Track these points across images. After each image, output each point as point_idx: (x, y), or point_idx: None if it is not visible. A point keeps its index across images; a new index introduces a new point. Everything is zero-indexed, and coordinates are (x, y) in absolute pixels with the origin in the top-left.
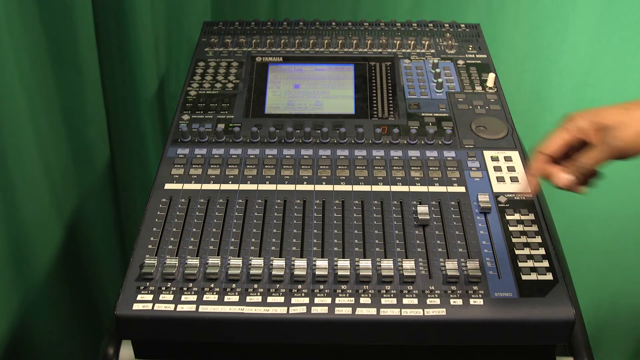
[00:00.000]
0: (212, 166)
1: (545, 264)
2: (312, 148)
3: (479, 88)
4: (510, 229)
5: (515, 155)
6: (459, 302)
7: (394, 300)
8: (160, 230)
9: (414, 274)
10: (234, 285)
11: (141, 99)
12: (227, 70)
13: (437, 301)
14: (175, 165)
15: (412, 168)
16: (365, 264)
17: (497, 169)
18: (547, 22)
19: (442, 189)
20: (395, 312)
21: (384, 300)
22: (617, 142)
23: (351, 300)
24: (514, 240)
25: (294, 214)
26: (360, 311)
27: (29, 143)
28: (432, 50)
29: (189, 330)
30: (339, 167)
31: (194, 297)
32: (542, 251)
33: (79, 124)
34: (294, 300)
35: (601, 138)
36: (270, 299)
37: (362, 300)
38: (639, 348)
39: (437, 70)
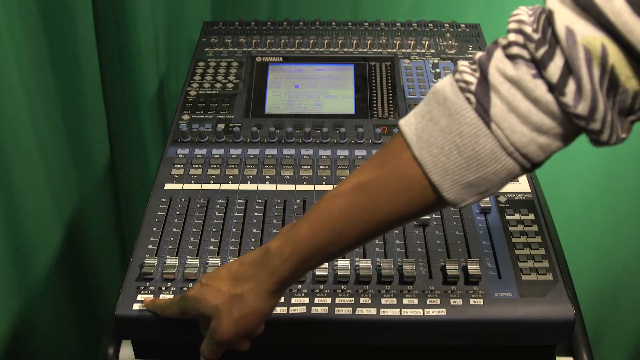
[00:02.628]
0: (212, 166)
1: (545, 264)
2: (312, 148)
3: None
4: (510, 229)
5: None
6: (459, 302)
7: (394, 300)
8: (160, 230)
9: (414, 274)
10: None
11: (141, 99)
12: (227, 70)
13: (437, 301)
14: (175, 165)
15: None
16: (365, 264)
17: None
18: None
19: None
20: (395, 312)
21: (384, 300)
22: (217, 335)
23: (351, 300)
24: (514, 240)
25: (293, 214)
26: (360, 311)
27: (29, 143)
28: (432, 50)
29: (189, 330)
30: (339, 167)
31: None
32: (542, 251)
33: (79, 124)
34: (293, 300)
35: (208, 324)
36: None
37: (362, 300)
38: (639, 348)
39: (437, 70)
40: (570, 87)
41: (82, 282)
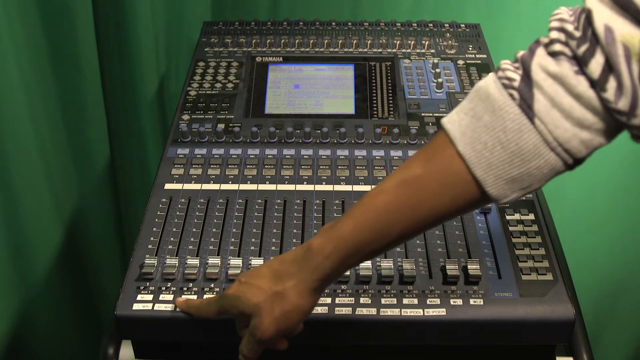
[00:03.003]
0: (212, 166)
1: (545, 264)
2: (312, 148)
3: None
4: (510, 229)
5: None
6: (459, 302)
7: (394, 300)
8: (160, 230)
9: (414, 274)
10: None
11: (141, 99)
12: (227, 70)
13: (437, 301)
14: (175, 165)
15: None
16: (365, 264)
17: None
18: (547, 22)
19: None
20: (395, 312)
21: (384, 300)
22: (257, 333)
23: (351, 300)
24: (514, 240)
25: (294, 214)
26: (360, 311)
27: (29, 143)
28: (432, 50)
29: (189, 330)
30: (339, 167)
31: (194, 297)
32: (542, 251)
33: (79, 124)
34: None
35: (246, 323)
36: None
37: (362, 300)
38: (639, 348)
39: (437, 70)
40: (611, 83)
41: (82, 282)
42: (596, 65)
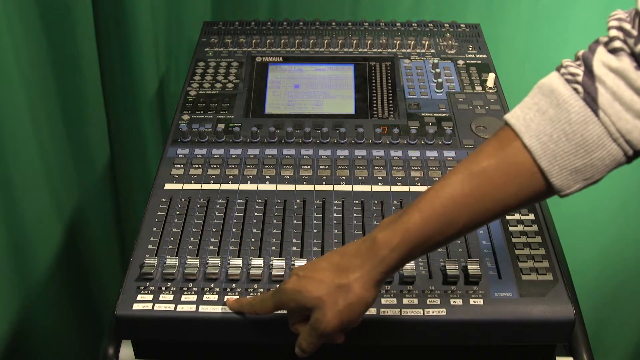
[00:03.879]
0: (212, 166)
1: (545, 264)
2: (312, 148)
3: (479, 88)
4: (510, 229)
5: None
6: (459, 302)
7: (394, 300)
8: (160, 230)
9: (414, 274)
10: (234, 285)
11: (141, 99)
12: (227, 70)
13: (437, 301)
14: (175, 165)
15: (412, 168)
16: None
17: None
18: (547, 22)
19: None
20: (395, 312)
21: (384, 300)
22: (320, 326)
23: None
24: (514, 240)
25: (294, 214)
26: None
27: (29, 143)
28: (432, 50)
29: (189, 330)
30: (339, 167)
31: (194, 297)
32: (542, 251)
33: (79, 124)
34: None
35: (302, 318)
36: None
37: None
38: (639, 348)
39: (437, 70)
40: None
41: (82, 282)
42: None
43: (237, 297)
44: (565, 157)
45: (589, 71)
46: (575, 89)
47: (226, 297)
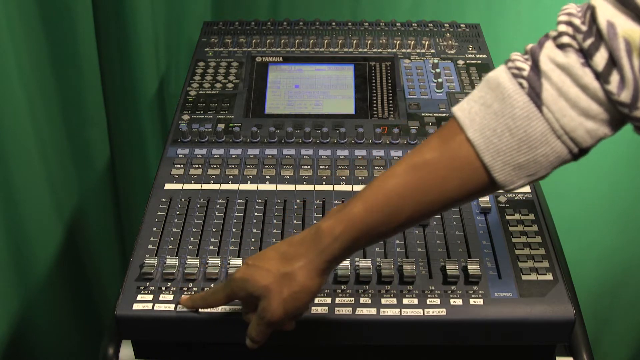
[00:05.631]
0: (212, 166)
1: (545, 264)
2: (312, 148)
3: None
4: (510, 229)
5: None
6: (459, 302)
7: (394, 300)
8: (160, 230)
9: (414, 274)
10: None
11: (141, 99)
12: (227, 70)
13: (437, 301)
14: (175, 165)
15: None
16: (365, 264)
17: None
18: (547, 22)
19: None
20: (395, 312)
21: (384, 300)
22: (267, 315)
23: (351, 300)
24: (514, 240)
25: (294, 214)
26: (360, 311)
27: (29, 143)
28: (432, 50)
29: (189, 330)
30: (339, 167)
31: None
32: (542, 251)
33: (79, 124)
34: None
35: (253, 307)
36: None
37: (362, 300)
38: (639, 348)
39: (437, 70)
40: (614, 76)
41: (82, 282)
42: (600, 58)
43: (188, 295)
44: (509, 153)
45: (535, 66)
46: (521, 84)
47: (182, 297)
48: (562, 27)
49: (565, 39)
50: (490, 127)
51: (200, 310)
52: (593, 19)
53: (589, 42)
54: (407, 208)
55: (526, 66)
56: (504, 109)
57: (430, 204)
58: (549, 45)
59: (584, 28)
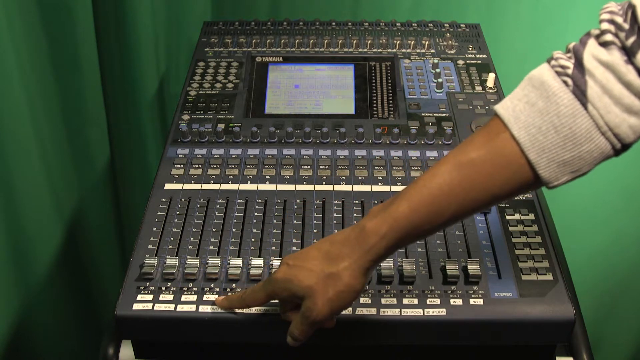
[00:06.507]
0: (212, 166)
1: (545, 264)
2: (312, 148)
3: (479, 88)
4: (510, 229)
5: None
6: (459, 302)
7: (394, 300)
8: (160, 230)
9: (414, 274)
10: (234, 285)
11: (141, 99)
12: (227, 70)
13: (437, 301)
14: (175, 165)
15: (412, 168)
16: None
17: None
18: (547, 22)
19: None
20: (395, 312)
21: (384, 300)
22: (312, 315)
23: None
24: (514, 240)
25: (294, 214)
26: (360, 311)
27: (29, 143)
28: (432, 50)
29: (189, 330)
30: (339, 167)
31: (194, 297)
32: (542, 251)
33: (79, 124)
34: None
35: (293, 306)
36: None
37: (362, 300)
38: (639, 348)
39: (437, 70)
40: None
41: (82, 282)
42: None
43: (224, 296)
44: (554, 150)
45: (579, 64)
46: (565, 82)
47: (215, 298)
48: (605, 25)
49: (608, 37)
50: (536, 124)
51: (237, 310)
52: (634, 18)
53: (631, 40)
54: (452, 206)
55: (570, 64)
56: (548, 106)
57: (474, 201)
58: (592, 43)
59: (626, 26)
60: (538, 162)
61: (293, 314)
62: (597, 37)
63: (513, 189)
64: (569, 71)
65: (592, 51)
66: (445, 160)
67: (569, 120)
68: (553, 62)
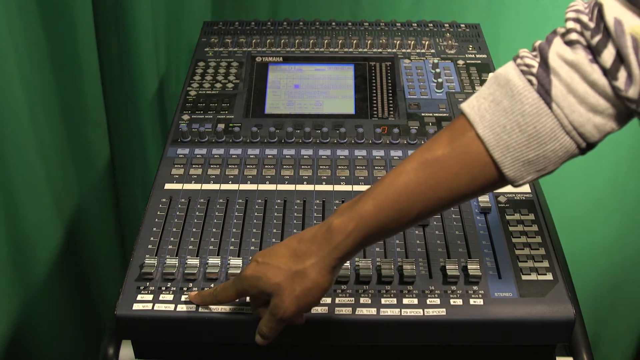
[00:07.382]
0: (212, 166)
1: (545, 264)
2: (312, 148)
3: (479, 88)
4: (510, 229)
5: None
6: (459, 302)
7: (394, 300)
8: (160, 230)
9: (414, 274)
10: None
11: (141, 99)
12: (227, 70)
13: (437, 301)
14: (175, 165)
15: None
16: (365, 264)
17: None
18: (547, 22)
19: None
20: (395, 312)
21: (384, 300)
22: (279, 312)
23: (351, 300)
24: (514, 240)
25: (294, 214)
26: (360, 311)
27: (29, 143)
28: (432, 50)
29: (189, 330)
30: (339, 167)
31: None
32: (542, 251)
33: (79, 124)
34: None
35: (263, 303)
36: None
37: (362, 300)
38: (639, 348)
39: (437, 70)
40: (622, 73)
41: (82, 282)
42: (608, 55)
43: (196, 291)
44: (518, 149)
45: (544, 63)
46: (530, 81)
47: (189, 293)
48: (570, 24)
49: (573, 36)
50: (500, 123)
51: (210, 307)
52: (600, 16)
53: (596, 39)
54: (418, 204)
55: (535, 63)
56: (513, 105)
57: (440, 200)
58: (557, 42)
59: (591, 25)
60: (503, 161)
61: (263, 310)
62: (563, 35)
63: (478, 188)
64: (534, 70)
65: (557, 50)
66: (411, 158)
67: (533, 119)
68: (519, 61)
